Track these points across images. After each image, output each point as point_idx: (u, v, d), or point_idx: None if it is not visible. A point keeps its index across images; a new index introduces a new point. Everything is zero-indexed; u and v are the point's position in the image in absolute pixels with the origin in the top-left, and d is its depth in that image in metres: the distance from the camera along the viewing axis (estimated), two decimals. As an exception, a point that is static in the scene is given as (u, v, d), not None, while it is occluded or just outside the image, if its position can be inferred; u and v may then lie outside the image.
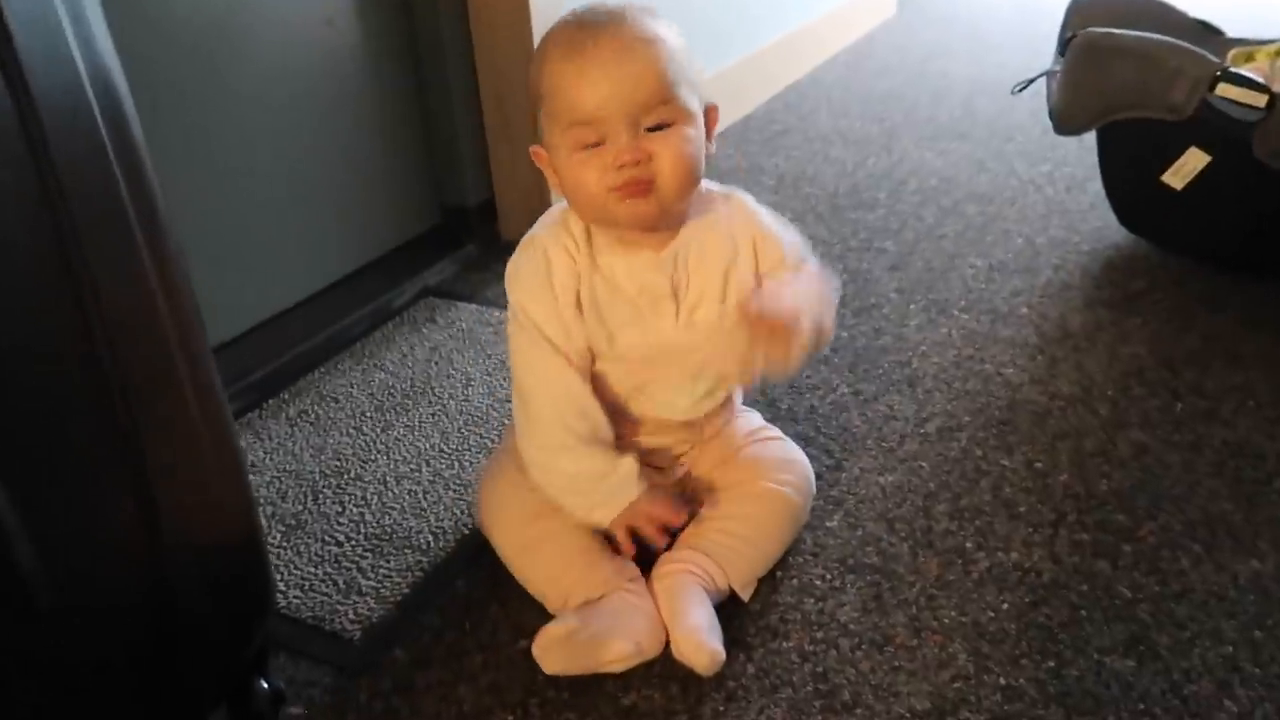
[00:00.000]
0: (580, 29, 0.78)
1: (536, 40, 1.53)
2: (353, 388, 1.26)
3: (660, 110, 0.78)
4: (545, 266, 0.85)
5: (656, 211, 0.81)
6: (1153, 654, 0.81)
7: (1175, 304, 1.31)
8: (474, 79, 1.53)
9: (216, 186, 1.26)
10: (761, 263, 0.88)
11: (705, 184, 0.88)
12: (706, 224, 0.87)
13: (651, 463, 0.92)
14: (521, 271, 0.87)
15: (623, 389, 0.89)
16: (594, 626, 0.79)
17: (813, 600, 0.89)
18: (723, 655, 0.79)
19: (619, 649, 0.79)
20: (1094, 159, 1.82)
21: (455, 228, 1.61)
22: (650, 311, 0.87)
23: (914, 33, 2.86)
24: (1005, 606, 0.86)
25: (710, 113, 0.84)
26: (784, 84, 2.40)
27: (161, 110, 1.17)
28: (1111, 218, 1.57)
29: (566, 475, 0.86)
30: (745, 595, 0.87)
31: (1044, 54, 2.49)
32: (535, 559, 0.87)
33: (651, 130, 0.78)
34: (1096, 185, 1.70)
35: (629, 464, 0.86)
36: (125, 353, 0.59)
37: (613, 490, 0.85)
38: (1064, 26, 1.46)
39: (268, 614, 0.75)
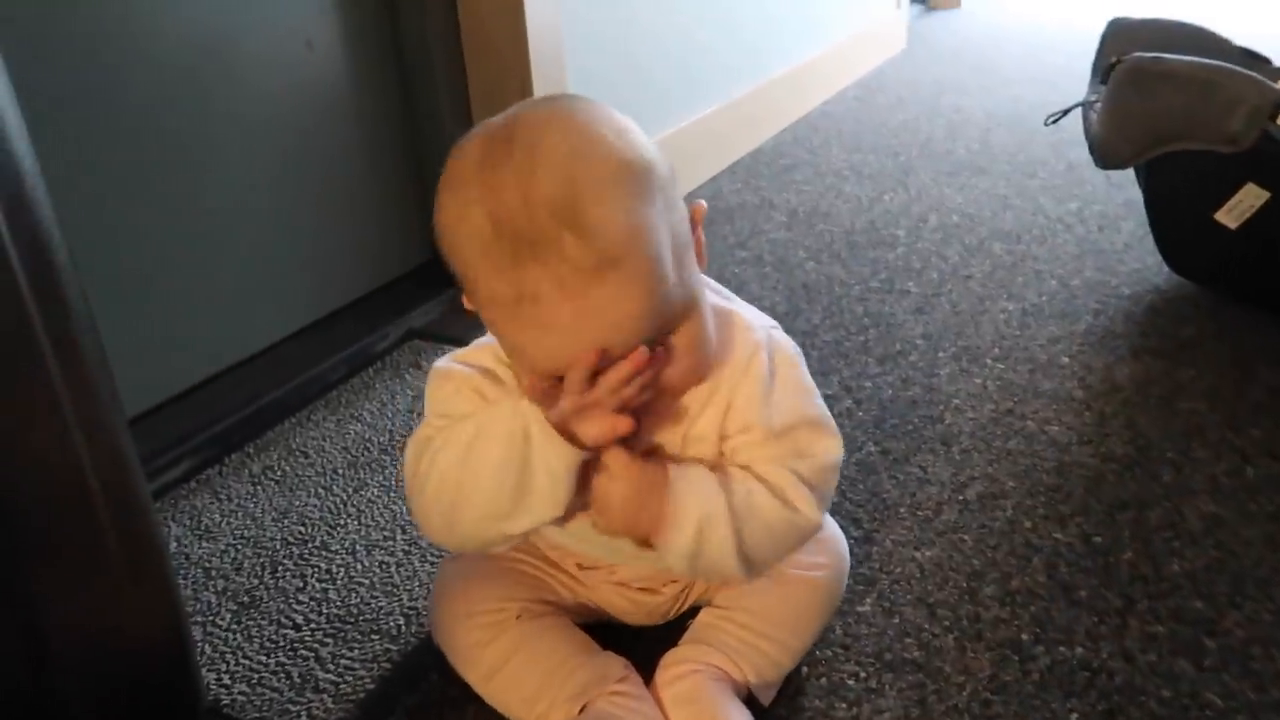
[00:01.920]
0: (524, 244, 0.53)
1: (534, 67, 1.45)
2: (325, 441, 1.14)
3: (655, 331, 0.57)
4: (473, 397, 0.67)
5: (664, 410, 0.65)
6: (1257, 781, 0.68)
7: (1232, 354, 1.19)
8: (466, 106, 1.43)
9: (181, 218, 1.15)
10: (729, 421, 0.66)
11: (721, 303, 0.67)
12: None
13: (636, 586, 0.77)
14: (444, 390, 0.68)
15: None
16: None
17: (845, 705, 0.76)
18: None
19: None
20: (1125, 196, 1.71)
21: (440, 267, 1.49)
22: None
23: (924, 67, 2.78)
24: (1074, 716, 0.73)
25: (694, 216, 0.62)
26: (793, 118, 2.31)
27: (126, 139, 1.06)
28: (1151, 259, 1.46)
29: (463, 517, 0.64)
30: (766, 699, 0.74)
31: (1060, 88, 2.41)
32: (504, 684, 0.73)
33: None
34: (1130, 224, 1.60)
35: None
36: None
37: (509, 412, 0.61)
38: (1100, 53, 1.36)
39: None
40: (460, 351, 0.70)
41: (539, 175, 0.53)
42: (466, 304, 0.63)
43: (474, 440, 0.62)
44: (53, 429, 0.51)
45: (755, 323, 0.68)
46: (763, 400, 0.65)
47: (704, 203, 0.63)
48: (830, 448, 0.68)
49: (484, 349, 0.70)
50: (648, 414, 0.63)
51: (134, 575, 0.56)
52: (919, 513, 0.96)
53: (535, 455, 0.59)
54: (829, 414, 0.70)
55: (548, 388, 0.59)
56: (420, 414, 1.16)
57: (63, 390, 0.51)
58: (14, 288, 0.49)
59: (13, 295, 0.49)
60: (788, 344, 0.69)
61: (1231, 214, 1.18)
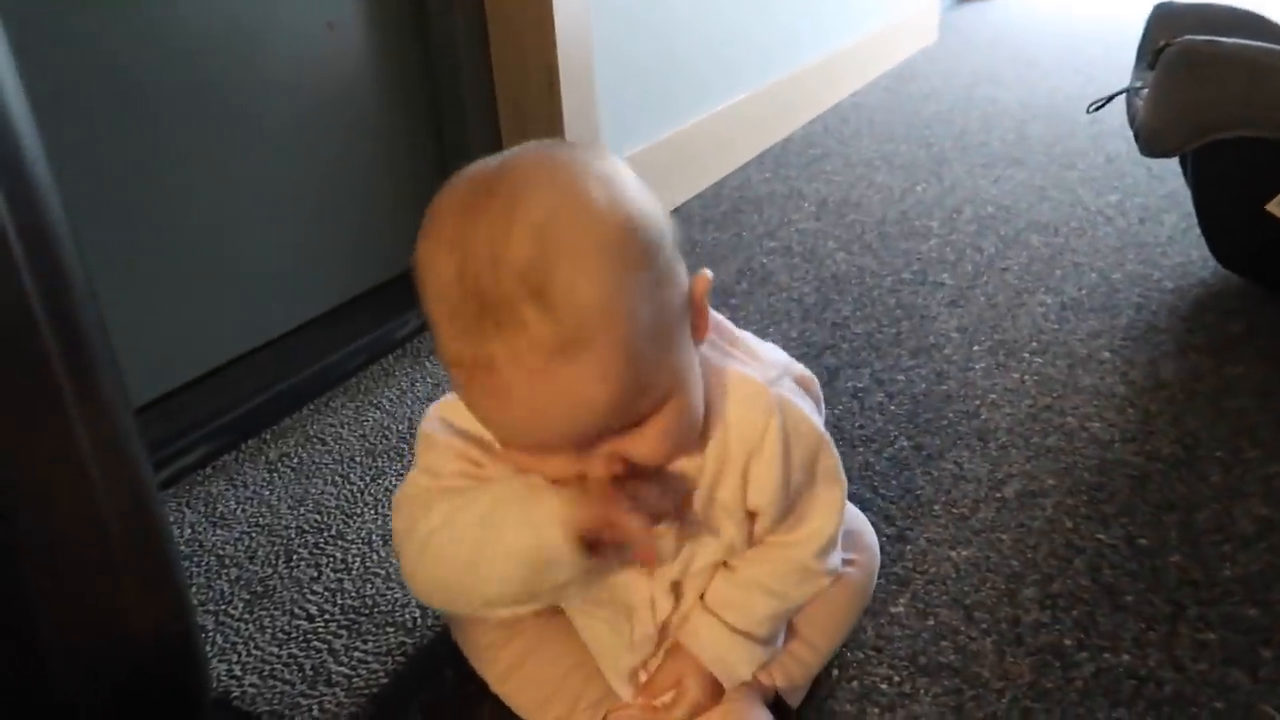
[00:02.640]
0: (485, 310, 0.47)
1: (561, 49, 1.41)
2: (343, 428, 1.12)
3: (625, 419, 0.51)
4: (439, 432, 0.61)
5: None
6: (1320, 801, 0.64)
7: (1283, 351, 1.14)
8: (490, 91, 1.40)
9: (199, 202, 1.12)
10: (751, 494, 0.61)
11: (720, 362, 0.61)
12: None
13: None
14: (431, 456, 0.61)
15: None
16: None
17: (878, 710, 0.72)
18: None
19: None
20: (1167, 188, 1.66)
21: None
22: None
23: (958, 58, 2.73)
24: (1121, 727, 0.70)
25: (695, 290, 0.55)
26: (823, 107, 2.27)
27: (144, 122, 1.04)
28: (1195, 252, 1.41)
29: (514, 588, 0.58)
30: (794, 702, 0.71)
31: (1099, 80, 2.35)
32: (520, 684, 0.70)
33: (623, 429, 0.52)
34: (1173, 217, 1.55)
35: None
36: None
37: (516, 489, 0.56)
38: (1147, 37, 1.31)
39: (199, 725, 0.60)
40: (449, 404, 0.62)
41: (513, 234, 0.47)
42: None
43: (490, 518, 0.56)
44: (51, 412, 0.48)
45: (764, 378, 0.60)
46: (780, 490, 0.60)
47: (709, 274, 0.55)
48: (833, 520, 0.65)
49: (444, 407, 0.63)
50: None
51: (136, 565, 0.53)
52: (954, 510, 0.92)
53: (561, 561, 0.54)
54: (840, 469, 0.65)
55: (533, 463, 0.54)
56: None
57: (62, 373, 0.48)
58: (11, 267, 0.47)
59: (9, 274, 0.46)
60: (803, 415, 0.61)
61: (1284, 205, 1.13)
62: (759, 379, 0.59)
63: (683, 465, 0.59)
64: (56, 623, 0.49)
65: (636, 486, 0.53)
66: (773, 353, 0.65)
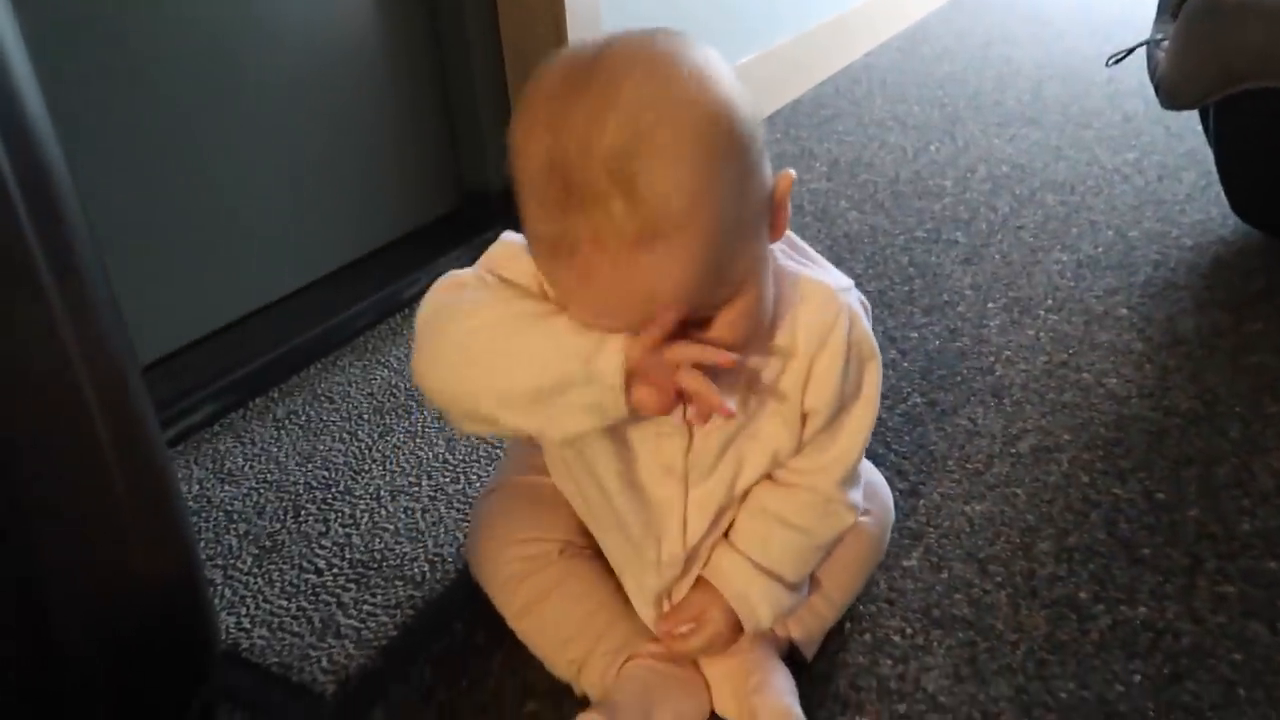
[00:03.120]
0: (572, 196, 0.48)
1: (569, 5, 1.39)
2: (351, 387, 1.11)
3: (700, 308, 0.52)
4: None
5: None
6: (1340, 751, 0.63)
7: (1305, 307, 1.13)
8: (498, 50, 1.38)
9: (208, 162, 1.11)
10: (810, 393, 0.61)
11: (791, 261, 0.61)
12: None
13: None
14: (506, 256, 0.60)
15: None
16: (632, 716, 0.63)
17: (891, 662, 0.71)
18: None
19: None
20: (1186, 146, 1.63)
21: (475, 213, 1.46)
22: (642, 440, 0.62)
23: (971, 18, 2.68)
24: (1137, 679, 0.69)
25: (779, 186, 0.55)
26: (834, 68, 2.23)
27: (151, 83, 1.02)
28: (1215, 209, 1.38)
29: (534, 370, 0.55)
30: (809, 653, 0.70)
31: (1116, 39, 2.31)
32: (539, 622, 0.69)
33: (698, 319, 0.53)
34: (1192, 175, 1.52)
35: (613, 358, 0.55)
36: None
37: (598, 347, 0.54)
38: (1169, -11, 1.28)
39: (207, 677, 0.59)
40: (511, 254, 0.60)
41: (605, 123, 0.47)
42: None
43: (532, 318, 0.55)
44: (53, 362, 0.47)
45: (834, 285, 0.61)
46: (837, 393, 0.61)
47: (792, 172, 0.55)
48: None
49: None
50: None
51: (142, 516, 0.52)
52: (968, 465, 0.91)
53: (593, 385, 0.53)
54: (879, 391, 0.65)
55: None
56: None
57: (64, 321, 0.47)
58: (12, 214, 0.45)
59: (10, 221, 0.45)
60: (866, 326, 0.62)
61: (1308, 158, 1.11)
62: (830, 284, 0.60)
63: (751, 358, 0.59)
64: (64, 578, 0.48)
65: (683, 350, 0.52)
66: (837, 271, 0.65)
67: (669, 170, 0.47)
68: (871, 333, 0.63)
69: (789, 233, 0.62)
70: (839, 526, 0.66)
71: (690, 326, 0.52)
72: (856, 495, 0.67)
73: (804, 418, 0.62)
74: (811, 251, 0.64)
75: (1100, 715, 0.66)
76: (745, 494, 0.65)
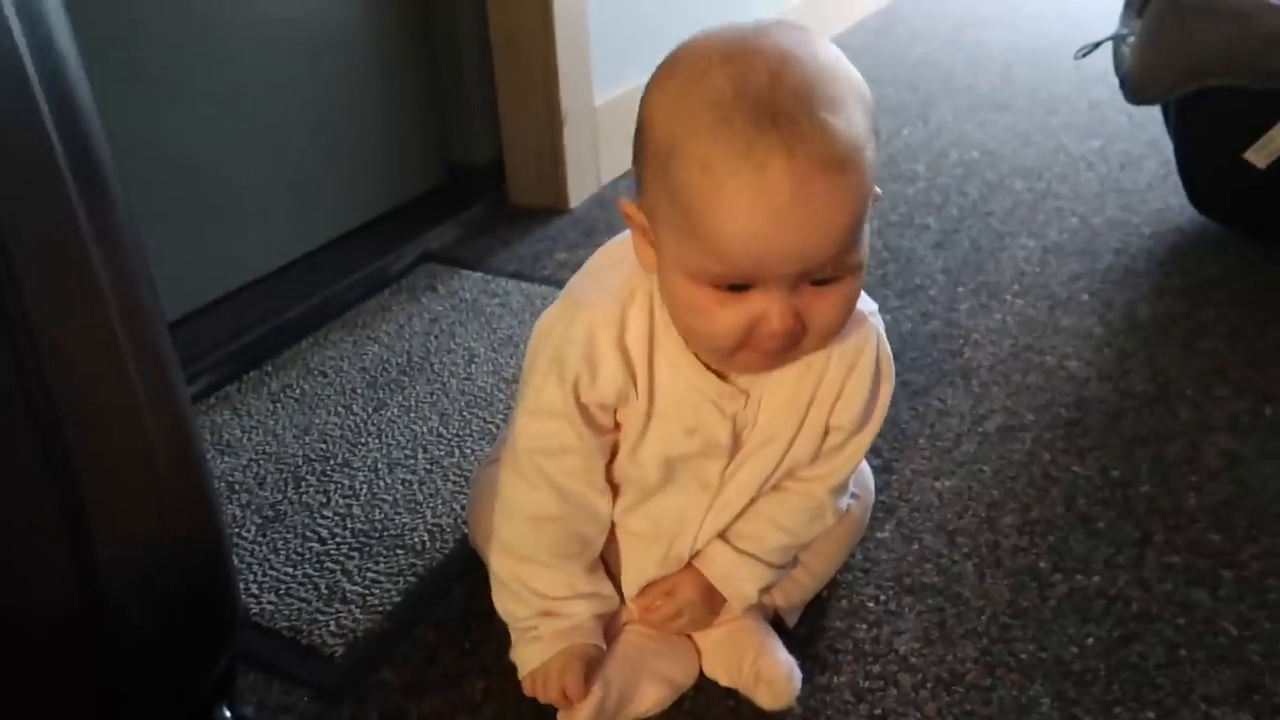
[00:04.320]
0: (761, 110, 0.50)
1: (553, -15, 1.41)
2: (343, 361, 1.14)
3: (832, 266, 0.54)
4: (579, 359, 0.61)
5: (782, 365, 0.62)
6: (1270, 707, 0.69)
7: (1254, 294, 1.19)
8: (484, 23, 1.40)
9: (196, 138, 1.13)
10: (838, 410, 0.66)
11: None
12: None
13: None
14: (548, 353, 0.63)
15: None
16: (619, 681, 0.68)
17: (866, 626, 0.77)
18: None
19: (654, 696, 0.69)
20: (1148, 135, 1.69)
21: (460, 188, 1.48)
22: (685, 468, 0.67)
23: (943, 0, 2.72)
24: (1090, 641, 0.75)
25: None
26: (811, 48, 2.26)
27: (135, 57, 1.04)
28: (1174, 198, 1.44)
29: (519, 580, 0.68)
30: (791, 622, 0.75)
31: (1083, 24, 2.36)
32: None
33: (815, 283, 0.55)
34: (1153, 163, 1.58)
35: (582, 612, 0.68)
36: (43, 316, 0.46)
37: (543, 635, 0.67)
38: (1135, -15, 1.33)
39: (232, 636, 0.63)
40: (578, 319, 0.62)
41: (792, 65, 0.52)
42: (627, 210, 0.59)
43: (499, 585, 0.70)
44: (96, 327, 0.51)
45: (864, 310, 0.65)
46: (862, 411, 0.66)
47: (879, 191, 0.58)
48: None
49: (619, 266, 0.63)
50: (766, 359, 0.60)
51: (177, 480, 0.56)
52: (938, 443, 0.97)
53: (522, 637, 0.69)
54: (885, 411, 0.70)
55: (721, 298, 0.55)
56: (438, 338, 1.16)
57: (108, 287, 0.50)
58: (61, 187, 0.48)
59: (59, 193, 0.48)
60: (887, 346, 0.67)
61: (1261, 153, 1.17)
62: (860, 308, 0.63)
63: (792, 372, 0.64)
64: (110, 536, 0.51)
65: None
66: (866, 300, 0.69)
67: (849, 110, 0.52)
68: (890, 353, 0.68)
69: None
70: (822, 527, 0.72)
71: (809, 289, 0.55)
72: (844, 500, 0.72)
73: (826, 432, 0.67)
74: None
75: (1057, 674, 0.72)
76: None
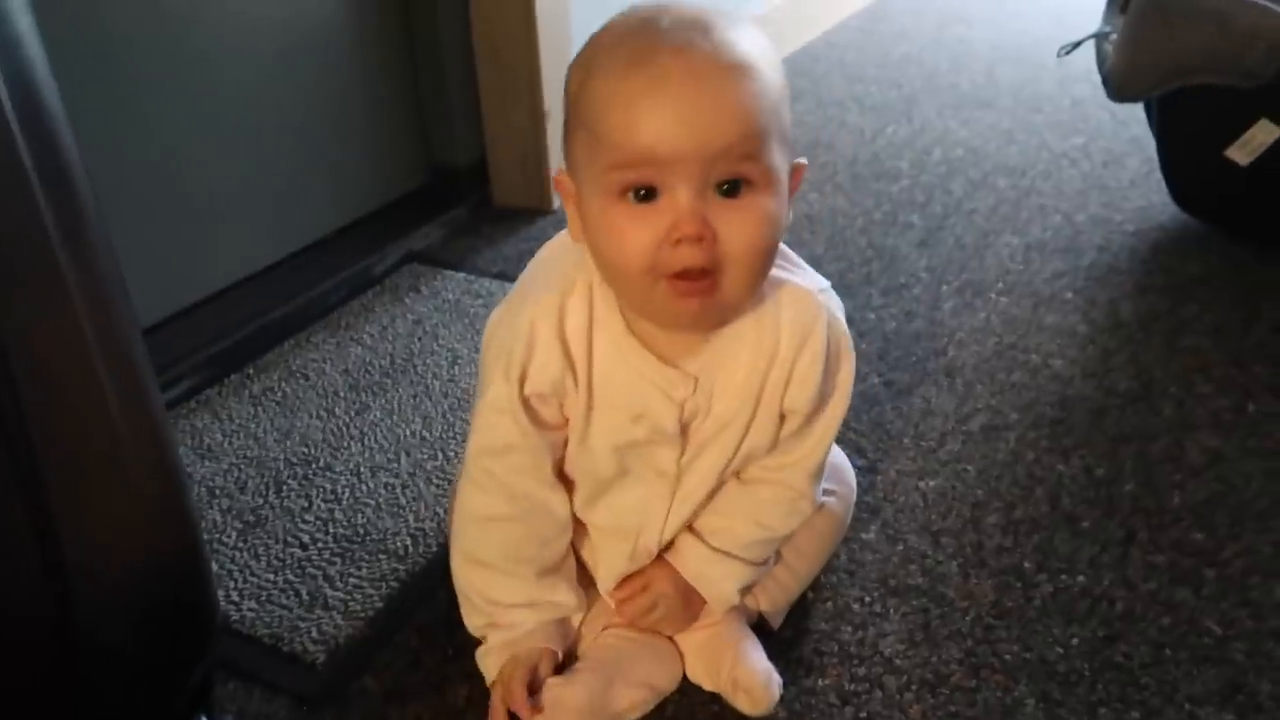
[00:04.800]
0: (653, 33, 0.55)
1: (536, -17, 1.40)
2: (325, 363, 1.13)
3: (740, 166, 0.55)
4: (522, 352, 0.63)
5: (715, 316, 0.60)
6: (1254, 705, 0.69)
7: (1237, 292, 1.19)
8: (467, 24, 1.39)
9: (176, 138, 1.12)
10: (790, 392, 0.66)
11: (777, 274, 0.64)
12: (751, 315, 0.63)
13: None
14: (493, 351, 0.65)
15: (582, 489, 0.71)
16: (594, 684, 0.68)
17: (850, 628, 0.77)
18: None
19: (633, 698, 0.68)
20: (1130, 133, 1.70)
21: (443, 189, 1.47)
22: (636, 456, 0.67)
23: (929, -4, 2.72)
24: (1075, 641, 0.75)
25: (795, 173, 0.61)
26: (794, 47, 2.26)
27: (118, 59, 1.02)
28: (1156, 196, 1.45)
29: (474, 588, 0.70)
30: (775, 624, 0.75)
31: (1066, 22, 2.37)
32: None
33: (724, 193, 0.55)
34: (1135, 161, 1.59)
35: (529, 620, 0.69)
36: (10, 321, 0.46)
37: (494, 648, 0.69)
38: (1118, -17, 1.33)
39: (211, 645, 0.62)
40: (523, 313, 0.63)
41: (681, 7, 0.57)
42: (558, 178, 0.62)
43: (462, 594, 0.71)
44: (66, 332, 0.50)
45: (814, 287, 0.66)
46: (816, 394, 0.66)
47: (805, 162, 0.61)
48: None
49: (564, 258, 0.65)
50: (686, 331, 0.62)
51: (151, 485, 0.55)
52: (922, 443, 0.96)
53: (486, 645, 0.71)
54: (851, 385, 0.70)
55: (630, 211, 0.56)
56: (421, 339, 1.16)
57: (76, 291, 0.50)
58: (26, 187, 0.48)
59: (25, 193, 0.47)
60: (843, 326, 0.67)
61: (1243, 150, 1.17)
62: (809, 287, 0.64)
63: (743, 357, 0.64)
64: (77, 537, 0.50)
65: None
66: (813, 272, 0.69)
67: (741, 32, 0.56)
68: (847, 331, 0.67)
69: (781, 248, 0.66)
70: (800, 520, 0.71)
71: (718, 200, 0.55)
72: (819, 490, 0.71)
73: (782, 417, 0.67)
74: (790, 253, 0.68)
75: (1042, 675, 0.72)
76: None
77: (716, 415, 0.65)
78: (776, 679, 0.69)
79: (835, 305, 0.67)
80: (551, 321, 0.62)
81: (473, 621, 0.71)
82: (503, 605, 0.69)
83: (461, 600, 0.71)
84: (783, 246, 0.67)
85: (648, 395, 0.64)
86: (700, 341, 0.64)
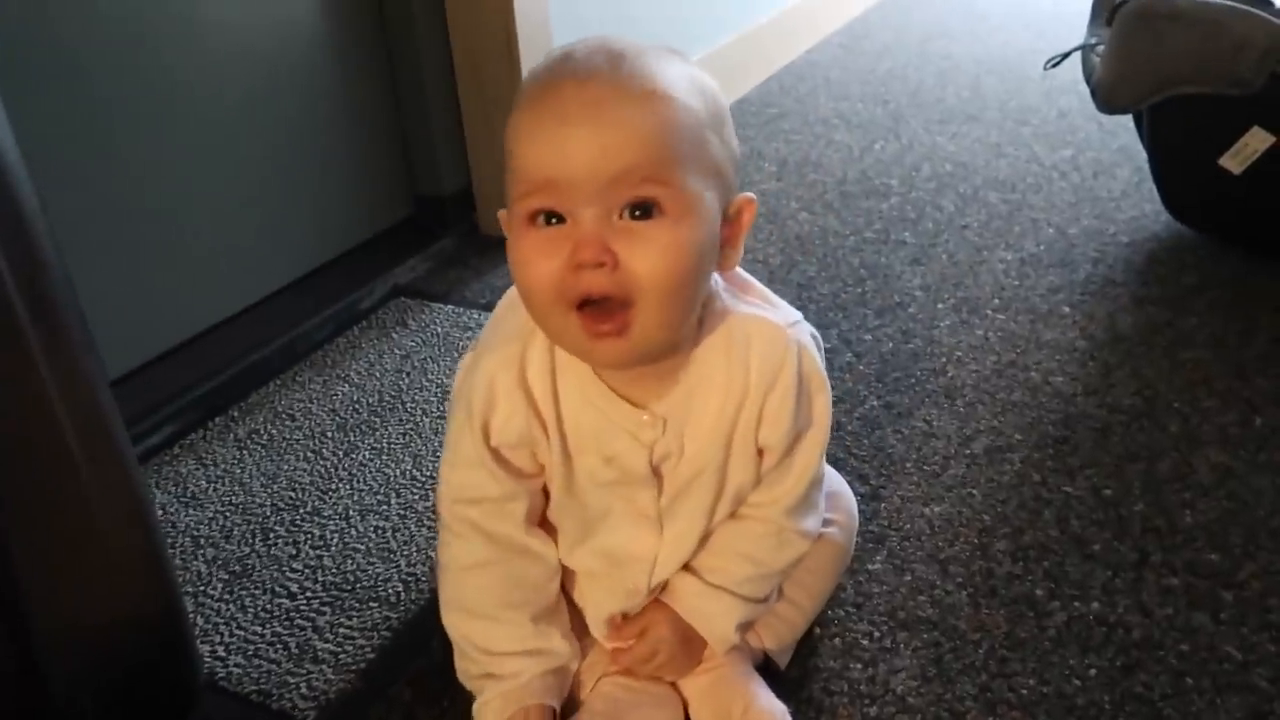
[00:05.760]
0: (563, 65, 0.55)
1: (518, 12, 1.39)
2: (312, 403, 1.10)
3: (644, 189, 0.53)
4: (483, 406, 0.62)
5: (637, 356, 0.57)
6: (1281, 734, 0.67)
7: (1235, 302, 1.18)
8: (448, 50, 1.37)
9: (157, 175, 1.09)
10: (764, 430, 0.64)
11: (739, 301, 0.64)
12: (720, 353, 0.62)
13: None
14: (460, 404, 0.64)
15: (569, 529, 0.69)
16: None
17: (860, 665, 0.74)
18: None
19: None
20: (1119, 143, 1.69)
21: (429, 219, 1.45)
22: (617, 497, 0.65)
23: (910, 13, 2.72)
24: (1093, 672, 0.72)
25: (742, 209, 0.59)
26: (778, 65, 2.26)
27: (97, 93, 1.00)
28: (1149, 206, 1.44)
29: (467, 639, 0.68)
30: (782, 662, 0.73)
31: (1049, 34, 2.37)
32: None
33: (635, 217, 0.54)
34: (1125, 171, 1.58)
35: (527, 669, 0.66)
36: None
37: (491, 702, 0.66)
38: (1102, -6, 1.32)
39: (193, 705, 0.59)
40: (481, 366, 0.63)
41: (604, 41, 0.57)
42: (500, 217, 0.60)
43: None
44: (29, 392, 0.47)
45: (783, 321, 0.64)
46: (789, 430, 0.64)
47: (754, 197, 0.60)
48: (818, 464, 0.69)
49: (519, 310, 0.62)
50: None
51: (123, 542, 0.53)
52: (926, 467, 0.94)
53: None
54: (829, 418, 0.67)
55: (538, 237, 0.56)
56: (410, 375, 1.13)
57: (38, 351, 0.47)
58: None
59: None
60: (815, 359, 0.65)
61: (1236, 159, 1.16)
62: (778, 322, 0.63)
63: (713, 397, 0.62)
64: (42, 600, 0.48)
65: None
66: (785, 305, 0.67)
67: (660, 65, 0.56)
68: (822, 365, 0.65)
69: (742, 272, 0.65)
70: (793, 555, 0.69)
71: (625, 224, 0.54)
72: (810, 522, 0.69)
73: (760, 454, 0.65)
74: (761, 288, 0.66)
75: (1060, 709, 0.70)
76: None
77: (690, 458, 0.64)
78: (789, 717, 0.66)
79: (807, 338, 0.65)
80: (512, 372, 0.62)
81: (468, 673, 0.68)
82: (499, 655, 0.66)
83: (456, 653, 0.69)
84: (752, 280, 0.66)
85: (615, 438, 0.62)
86: (669, 383, 0.62)
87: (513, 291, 0.64)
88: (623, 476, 0.64)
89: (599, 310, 0.54)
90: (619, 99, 0.53)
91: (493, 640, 0.66)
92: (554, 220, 0.55)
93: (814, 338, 0.66)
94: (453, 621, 0.68)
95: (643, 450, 0.63)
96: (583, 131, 0.53)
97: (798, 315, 0.65)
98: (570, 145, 0.53)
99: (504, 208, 0.60)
